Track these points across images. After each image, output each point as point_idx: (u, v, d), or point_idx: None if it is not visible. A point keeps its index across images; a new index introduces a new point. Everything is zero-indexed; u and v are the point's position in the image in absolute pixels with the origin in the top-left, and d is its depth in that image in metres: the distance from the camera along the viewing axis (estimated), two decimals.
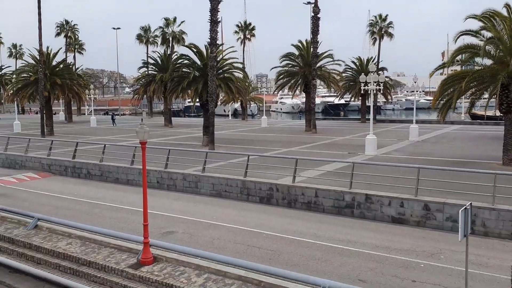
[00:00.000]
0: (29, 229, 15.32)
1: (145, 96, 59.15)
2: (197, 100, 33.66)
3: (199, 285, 11.07)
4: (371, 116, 30.92)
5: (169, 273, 11.80)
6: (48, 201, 19.67)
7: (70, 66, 53.87)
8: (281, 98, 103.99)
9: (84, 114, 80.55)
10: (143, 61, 58.03)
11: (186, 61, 34.77)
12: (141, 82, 56.87)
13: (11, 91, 50.01)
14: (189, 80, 32.19)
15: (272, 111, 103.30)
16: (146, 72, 55.82)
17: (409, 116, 64.24)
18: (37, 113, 79.60)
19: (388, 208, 16.15)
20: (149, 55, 62.46)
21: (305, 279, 10.56)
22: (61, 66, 47.78)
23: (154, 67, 52.90)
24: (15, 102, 50.35)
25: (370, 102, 37.05)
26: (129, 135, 38.39)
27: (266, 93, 72.97)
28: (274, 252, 13.16)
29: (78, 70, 58.51)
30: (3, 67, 76.78)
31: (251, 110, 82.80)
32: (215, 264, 11.97)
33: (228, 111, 76.70)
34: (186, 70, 34.08)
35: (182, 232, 15.09)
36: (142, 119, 15.32)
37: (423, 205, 15.53)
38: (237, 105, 72.60)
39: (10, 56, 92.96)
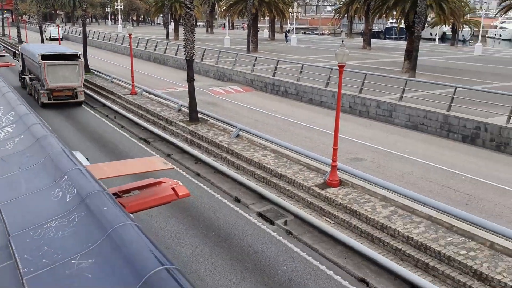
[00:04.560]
0: (232, 137, 17.00)
1: (346, 15, 57.62)
2: (402, 21, 31.06)
3: (384, 216, 10.78)
4: None
5: (354, 198, 11.78)
6: (248, 113, 21.35)
7: None
8: (503, 22, 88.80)
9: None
10: None
11: None
12: (343, 0, 55.22)
13: (224, 7, 54.19)
14: None
15: (488, 37, 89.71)
16: None
17: None
18: (244, 29, 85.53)
19: None
20: None
21: (508, 234, 9.28)
22: None
23: None
24: (226, 18, 54.52)
25: None
26: (328, 56, 38.26)
27: (484, 15, 62.97)
28: (472, 198, 11.87)
29: None
30: None
31: (462, 35, 73.03)
32: (403, 199, 11.45)
33: (435, 35, 69.39)
34: None
35: (371, 160, 14.72)
36: (343, 41, 14.69)
37: None
38: (446, 28, 64.96)
39: None
